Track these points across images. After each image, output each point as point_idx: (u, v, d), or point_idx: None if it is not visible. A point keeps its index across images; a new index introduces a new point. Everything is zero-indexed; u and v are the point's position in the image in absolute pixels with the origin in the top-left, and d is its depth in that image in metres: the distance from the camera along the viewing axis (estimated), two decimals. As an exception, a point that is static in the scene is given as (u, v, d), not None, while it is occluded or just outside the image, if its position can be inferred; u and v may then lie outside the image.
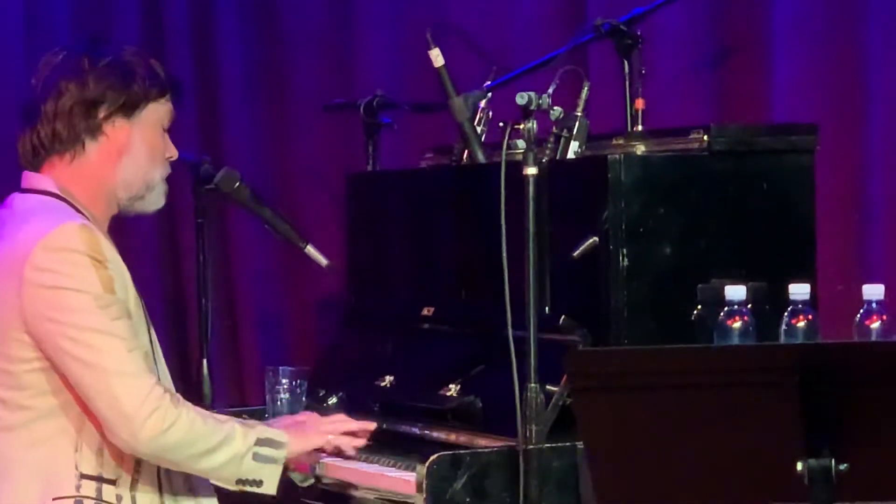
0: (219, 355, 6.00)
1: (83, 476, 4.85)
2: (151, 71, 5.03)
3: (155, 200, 5.13)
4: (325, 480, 5.36)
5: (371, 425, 5.23)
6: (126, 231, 5.06)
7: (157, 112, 5.04)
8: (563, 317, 5.05)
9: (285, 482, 5.16)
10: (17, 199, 4.97)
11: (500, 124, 5.13)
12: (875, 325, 4.73)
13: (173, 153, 5.14)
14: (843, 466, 3.74)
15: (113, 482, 4.87)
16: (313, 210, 6.24)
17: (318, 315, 6.37)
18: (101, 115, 4.98)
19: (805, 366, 3.81)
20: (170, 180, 5.37)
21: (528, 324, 4.82)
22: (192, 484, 5.02)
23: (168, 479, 4.96)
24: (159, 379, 4.90)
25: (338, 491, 5.34)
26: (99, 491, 4.87)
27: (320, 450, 5.19)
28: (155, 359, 4.97)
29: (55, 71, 4.99)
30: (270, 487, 4.97)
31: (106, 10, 6.31)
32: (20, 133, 4.96)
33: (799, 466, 3.74)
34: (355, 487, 5.30)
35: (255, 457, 4.93)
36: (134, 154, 5.06)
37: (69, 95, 4.94)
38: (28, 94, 4.99)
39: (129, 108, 4.99)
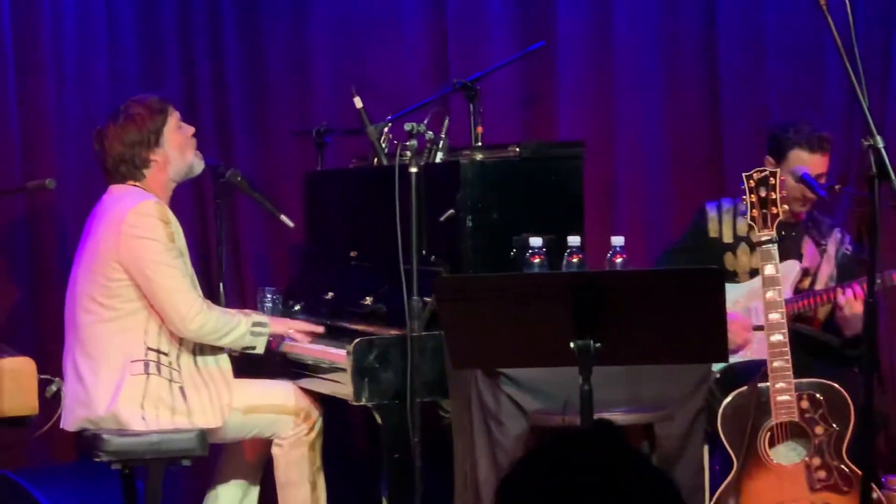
0: (229, 281, 5.99)
1: (149, 349, 5.01)
2: (150, 109, 5.15)
3: (196, 169, 5.34)
4: (291, 356, 5.34)
5: (319, 329, 5.32)
6: (173, 206, 5.08)
7: (171, 124, 5.20)
8: (433, 256, 5.05)
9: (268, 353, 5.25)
10: (114, 188, 5.17)
11: (395, 142, 5.15)
12: (618, 261, 4.75)
13: (192, 130, 5.30)
14: (598, 345, 3.80)
15: (166, 354, 5.02)
16: (286, 194, 6.21)
17: (288, 256, 6.34)
18: (144, 153, 5.05)
19: (576, 285, 3.90)
20: (197, 177, 5.44)
21: (412, 260, 4.83)
22: (213, 350, 5.12)
23: (200, 350, 5.09)
24: (200, 294, 5.06)
25: (300, 361, 5.33)
26: (158, 357, 5.02)
27: (286, 335, 5.30)
28: (194, 283, 5.07)
29: (101, 137, 5.19)
30: (260, 350, 5.16)
31: (158, 71, 6.26)
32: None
33: (572, 345, 3.81)
34: (311, 359, 5.28)
35: (252, 333, 5.13)
36: (173, 160, 5.18)
37: (114, 149, 5.13)
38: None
39: (154, 140, 5.09)
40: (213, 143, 6.24)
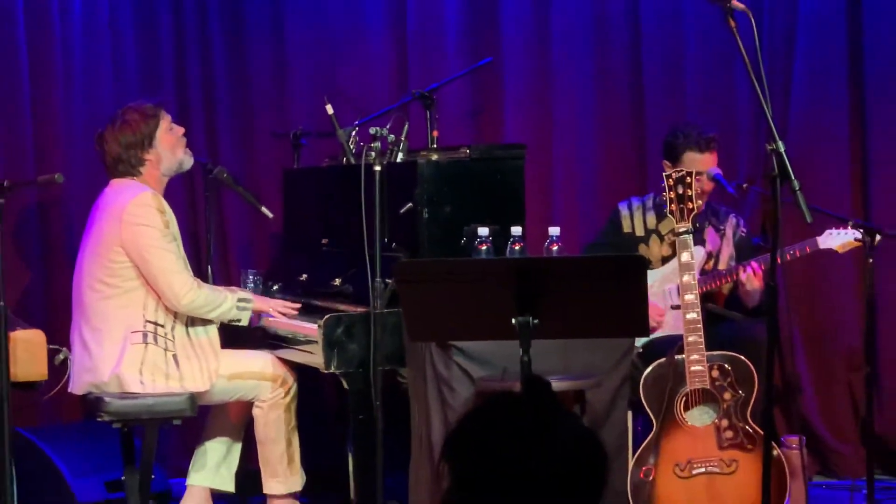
0: (216, 264, 5.97)
1: (147, 321, 5.01)
2: (144, 115, 5.14)
3: (186, 165, 5.32)
4: (270, 329, 5.34)
5: (295, 307, 5.28)
6: (168, 198, 5.07)
7: (163, 127, 5.18)
8: (393, 244, 5.05)
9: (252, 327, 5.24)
10: (114, 182, 5.17)
11: (362, 143, 5.12)
12: (554, 248, 4.77)
13: (181, 130, 5.28)
14: (536, 321, 3.82)
15: (162, 325, 5.02)
16: (266, 188, 6.19)
17: (268, 242, 6.33)
18: (139, 154, 5.05)
19: (517, 269, 3.91)
20: (189, 172, 5.42)
21: (376, 247, 4.82)
22: (203, 322, 5.11)
23: (192, 322, 5.07)
24: (192, 274, 5.06)
25: (278, 334, 5.34)
26: (155, 329, 5.02)
27: (265, 312, 5.26)
28: (186, 264, 5.09)
29: (101, 140, 5.19)
30: (244, 322, 5.15)
31: (156, 78, 6.24)
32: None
33: (513, 321, 3.82)
34: (287, 332, 5.28)
35: (237, 307, 5.11)
36: (166, 158, 5.17)
37: (112, 150, 5.14)
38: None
39: (148, 142, 5.07)
40: (202, 143, 6.23)
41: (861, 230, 5.18)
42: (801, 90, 6.22)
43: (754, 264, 5.28)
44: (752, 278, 5.28)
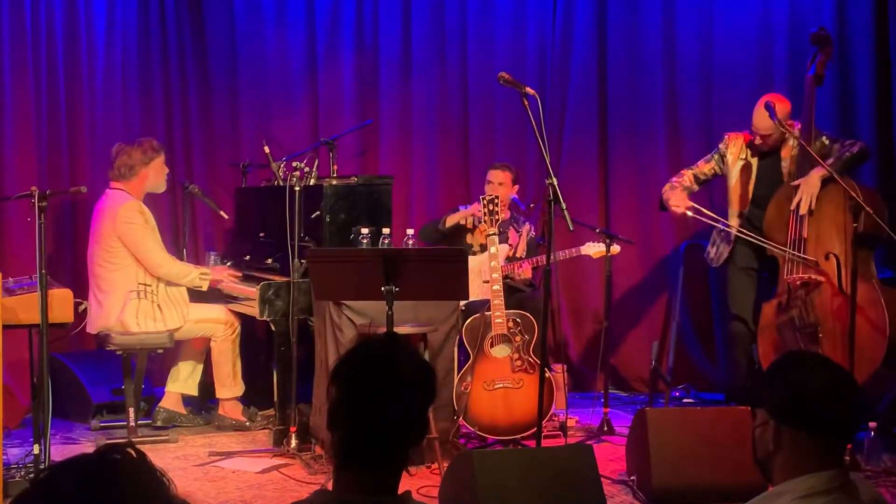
0: (189, 248, 5.84)
1: (139, 283, 4.90)
2: (153, 146, 5.02)
3: (161, 189, 5.14)
4: (224, 291, 5.24)
5: (238, 275, 5.19)
6: (159, 207, 4.92)
7: (156, 160, 5.02)
8: (306, 237, 4.99)
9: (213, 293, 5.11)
10: (109, 191, 5.03)
11: (287, 172, 5.06)
12: (410, 243, 4.76)
13: (167, 170, 5.13)
14: (396, 289, 3.81)
15: (150, 285, 4.92)
16: (224, 199, 6.06)
17: (224, 234, 6.20)
18: (139, 168, 4.89)
19: (386, 256, 3.88)
20: (170, 186, 5.27)
21: (295, 238, 4.77)
22: (177, 285, 4.96)
23: (168, 283, 4.93)
24: (167, 253, 4.90)
25: (231, 294, 5.24)
26: (145, 288, 4.92)
27: (220, 280, 5.15)
28: (162, 247, 4.95)
29: (119, 150, 5.03)
30: (204, 289, 5.00)
31: (152, 125, 6.04)
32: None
33: (383, 289, 3.80)
34: (236, 293, 5.19)
35: (199, 278, 4.98)
36: (151, 179, 5.01)
37: (122, 159, 4.98)
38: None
39: (145, 162, 4.91)
40: (182, 168, 6.09)
41: (604, 235, 5.27)
42: (569, 144, 6.32)
43: (525, 263, 5.38)
44: (525, 270, 5.39)
